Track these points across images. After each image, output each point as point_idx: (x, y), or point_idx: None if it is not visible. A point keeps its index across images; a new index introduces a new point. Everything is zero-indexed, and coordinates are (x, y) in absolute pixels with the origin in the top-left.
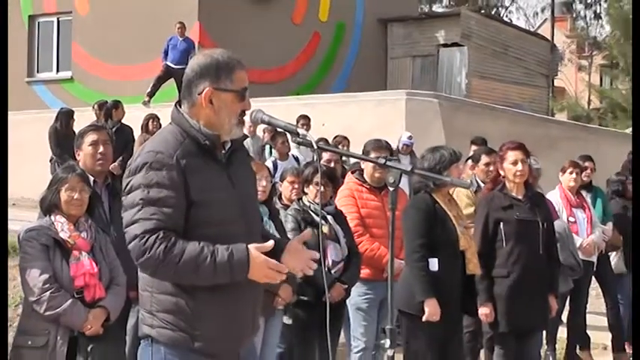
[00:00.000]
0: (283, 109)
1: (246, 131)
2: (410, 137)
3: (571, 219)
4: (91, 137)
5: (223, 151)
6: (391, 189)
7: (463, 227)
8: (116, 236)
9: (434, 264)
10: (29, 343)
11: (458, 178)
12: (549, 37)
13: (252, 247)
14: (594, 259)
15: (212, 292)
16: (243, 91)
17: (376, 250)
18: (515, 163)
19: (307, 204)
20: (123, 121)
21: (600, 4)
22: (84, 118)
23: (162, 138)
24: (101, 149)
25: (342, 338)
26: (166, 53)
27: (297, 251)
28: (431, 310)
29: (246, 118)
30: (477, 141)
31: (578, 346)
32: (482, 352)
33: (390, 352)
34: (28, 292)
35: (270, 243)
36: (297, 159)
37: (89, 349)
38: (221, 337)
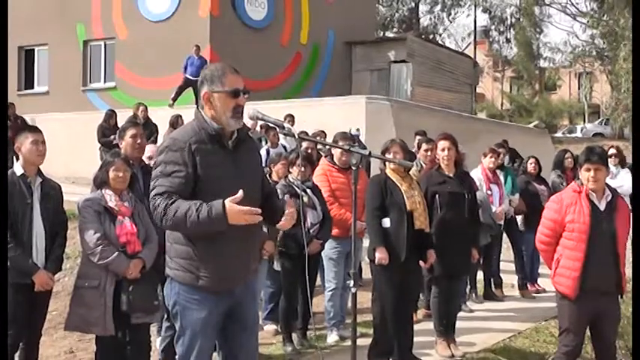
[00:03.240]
0: (274, 109)
1: (250, 126)
2: (357, 130)
3: (489, 192)
4: (131, 131)
5: (231, 140)
6: (354, 168)
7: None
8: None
9: (386, 222)
10: (86, 284)
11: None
12: (472, 56)
13: (227, 200)
14: (503, 221)
15: (212, 242)
16: (233, 90)
17: (343, 214)
18: (443, 149)
19: (292, 180)
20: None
21: (510, 32)
22: (123, 117)
23: (182, 129)
24: (139, 140)
25: (318, 281)
26: (186, 68)
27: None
28: (380, 256)
29: (246, 116)
30: (420, 133)
31: (493, 285)
32: None
33: (353, 290)
34: (85, 247)
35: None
36: (285, 147)
37: (130, 289)
38: (219, 277)
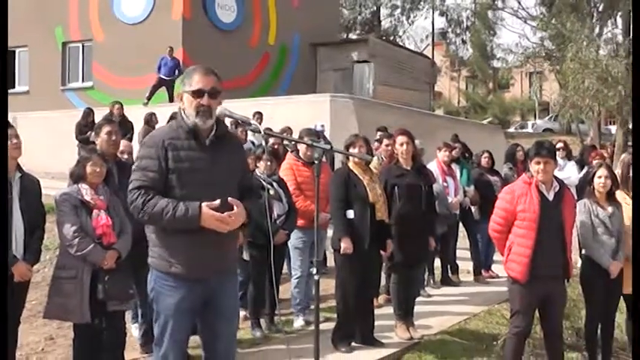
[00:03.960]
0: (244, 107)
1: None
2: (322, 125)
3: (445, 184)
4: (106, 128)
5: (208, 137)
6: (316, 162)
7: (375, 187)
8: (124, 198)
9: (350, 214)
10: (64, 274)
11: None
12: (430, 57)
13: (204, 204)
14: (458, 211)
15: (184, 233)
16: (196, 90)
17: (308, 206)
18: (402, 144)
19: (259, 174)
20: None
21: (466, 34)
22: (100, 115)
23: (163, 127)
24: (113, 137)
25: (285, 269)
26: (159, 68)
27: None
28: (345, 246)
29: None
30: (381, 129)
31: (450, 271)
32: None
33: (316, 277)
34: (63, 239)
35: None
36: (253, 143)
37: (106, 279)
38: (190, 265)
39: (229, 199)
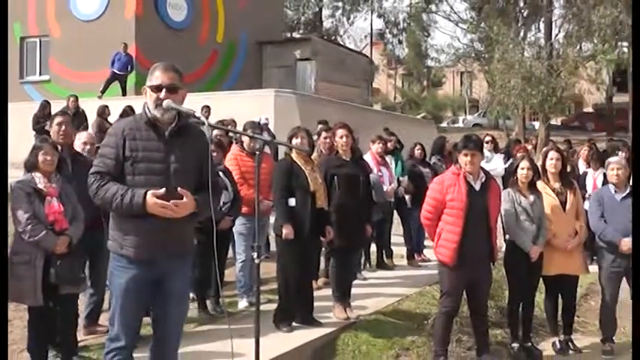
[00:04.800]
0: (193, 102)
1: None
2: (267, 119)
3: (379, 174)
4: (57, 120)
5: (168, 130)
6: (257, 153)
7: (316, 176)
8: (77, 186)
9: (292, 202)
10: (18, 259)
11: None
12: (369, 55)
13: (149, 192)
14: (393, 200)
15: (136, 218)
16: (154, 85)
17: (251, 194)
18: (341, 137)
19: None
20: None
21: (402, 35)
22: (57, 107)
23: (129, 117)
24: (63, 128)
25: (230, 253)
26: (113, 63)
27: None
28: (287, 232)
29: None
30: (322, 122)
31: (385, 256)
32: None
33: (257, 261)
34: (17, 225)
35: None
36: None
37: (58, 263)
38: (139, 247)
39: (179, 189)
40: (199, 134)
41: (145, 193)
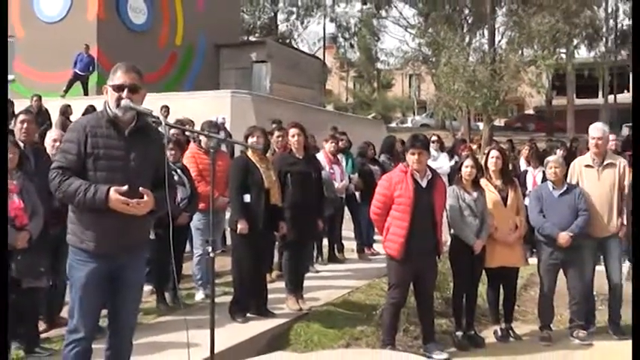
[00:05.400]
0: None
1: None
2: (224, 118)
3: (331, 171)
4: (19, 118)
5: (128, 128)
6: (212, 151)
7: (270, 174)
8: (39, 182)
9: (247, 198)
10: None
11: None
12: (322, 58)
13: (112, 189)
14: (344, 196)
15: (95, 212)
16: (115, 85)
17: (208, 191)
18: (294, 136)
19: None
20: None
21: (354, 39)
22: (21, 106)
23: (88, 115)
24: (25, 126)
25: (188, 248)
26: (75, 64)
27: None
28: (242, 227)
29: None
30: (276, 121)
31: (336, 249)
32: None
33: (212, 255)
34: None
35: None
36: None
37: (18, 258)
38: (98, 242)
39: (140, 188)
40: (157, 133)
41: (108, 190)
